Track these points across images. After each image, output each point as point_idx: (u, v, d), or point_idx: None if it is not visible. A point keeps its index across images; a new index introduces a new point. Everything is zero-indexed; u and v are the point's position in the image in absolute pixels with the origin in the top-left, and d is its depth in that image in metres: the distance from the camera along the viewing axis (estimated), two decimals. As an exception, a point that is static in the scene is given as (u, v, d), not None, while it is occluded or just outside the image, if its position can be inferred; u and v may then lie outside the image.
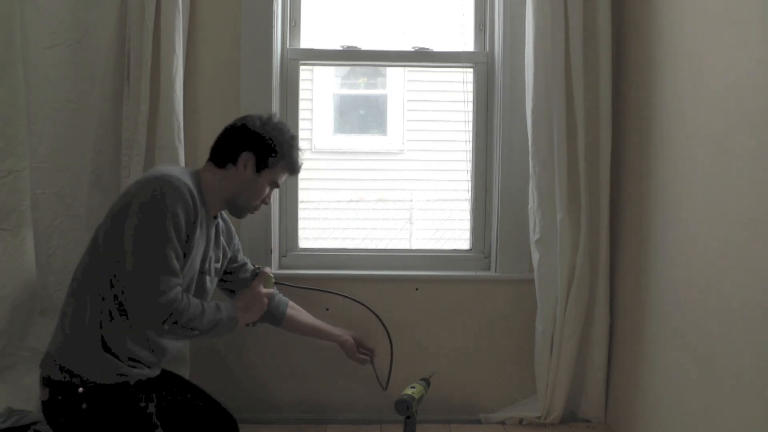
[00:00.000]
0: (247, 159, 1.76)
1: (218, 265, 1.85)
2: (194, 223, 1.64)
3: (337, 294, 2.20)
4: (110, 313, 1.61)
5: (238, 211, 1.83)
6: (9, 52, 2.10)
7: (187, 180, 1.64)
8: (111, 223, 1.61)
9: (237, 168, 1.76)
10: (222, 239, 1.87)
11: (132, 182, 1.70)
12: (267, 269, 1.96)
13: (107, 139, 2.16)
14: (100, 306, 1.60)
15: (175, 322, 1.58)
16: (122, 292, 1.58)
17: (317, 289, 2.20)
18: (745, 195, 1.57)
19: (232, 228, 1.97)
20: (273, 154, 1.77)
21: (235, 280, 1.96)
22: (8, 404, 2.00)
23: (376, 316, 2.19)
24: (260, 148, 1.76)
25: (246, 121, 1.81)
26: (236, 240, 1.98)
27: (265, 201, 1.85)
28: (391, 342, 2.20)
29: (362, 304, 2.19)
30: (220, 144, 1.81)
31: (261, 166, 1.77)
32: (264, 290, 1.88)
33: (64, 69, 2.11)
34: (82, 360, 1.60)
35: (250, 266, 2.01)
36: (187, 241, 1.63)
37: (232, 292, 1.97)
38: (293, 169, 1.85)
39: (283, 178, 1.86)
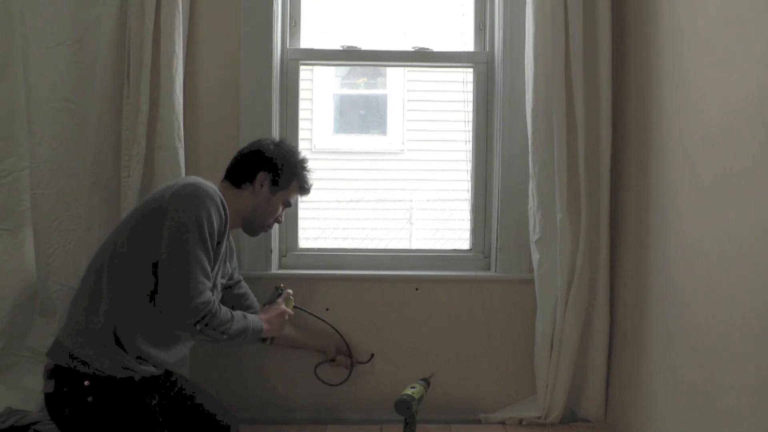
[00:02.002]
0: (263, 178, 1.86)
1: (223, 281, 1.91)
2: (224, 231, 1.72)
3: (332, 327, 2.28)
4: (127, 310, 1.64)
5: (252, 230, 1.93)
6: (9, 52, 2.11)
7: (217, 189, 1.73)
8: (140, 224, 1.66)
9: (254, 187, 1.86)
10: (227, 256, 1.92)
11: (162, 187, 1.73)
12: (289, 291, 2.10)
13: (107, 139, 2.15)
14: (118, 302, 1.64)
15: (207, 324, 1.63)
16: (149, 295, 1.63)
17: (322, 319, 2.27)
18: (745, 194, 1.57)
19: (234, 247, 2.03)
20: (287, 175, 1.89)
21: (227, 295, 1.99)
22: (8, 404, 2.01)
23: (341, 336, 2.28)
24: (276, 169, 1.88)
25: (260, 145, 1.92)
26: (235, 258, 2.05)
27: (278, 220, 1.96)
28: (351, 356, 2.29)
29: (334, 329, 2.28)
30: (237, 165, 1.90)
31: (275, 185, 1.88)
32: (285, 309, 2.01)
33: (64, 69, 2.11)
34: (92, 348, 1.63)
35: (244, 284, 2.08)
36: (217, 245, 1.70)
37: None
38: (304, 188, 1.96)
39: (294, 198, 1.98)
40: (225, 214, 1.71)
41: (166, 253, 1.61)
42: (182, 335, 1.74)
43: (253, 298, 2.09)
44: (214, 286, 1.79)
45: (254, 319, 1.81)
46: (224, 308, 1.70)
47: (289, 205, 1.96)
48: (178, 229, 1.61)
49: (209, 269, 1.66)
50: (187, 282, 1.60)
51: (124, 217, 1.76)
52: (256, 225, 1.92)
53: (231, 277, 2.01)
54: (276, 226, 2.37)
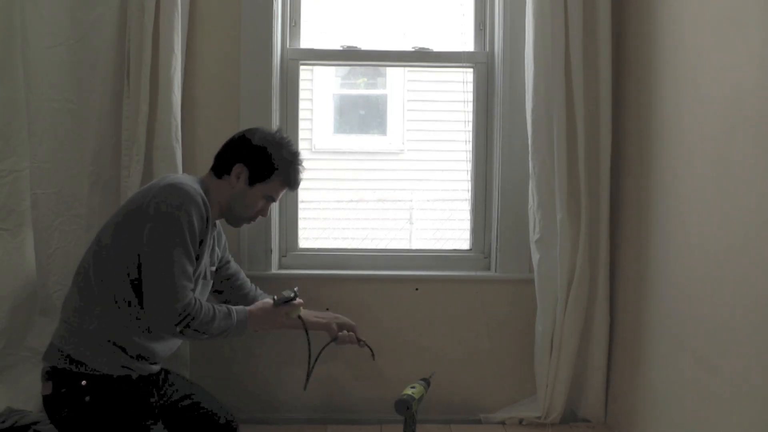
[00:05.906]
0: (239, 171, 1.80)
1: (213, 268, 1.89)
2: (206, 229, 1.70)
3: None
4: (118, 309, 1.65)
5: (233, 221, 1.89)
6: (9, 52, 2.11)
7: (198, 188, 1.70)
8: (123, 224, 1.66)
9: (230, 179, 1.80)
10: (215, 243, 1.90)
11: (145, 187, 1.73)
12: (299, 301, 1.91)
13: (107, 139, 2.15)
14: (108, 301, 1.64)
15: (188, 326, 1.63)
16: (135, 294, 1.64)
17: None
18: (745, 194, 1.57)
19: (221, 229, 1.99)
20: (267, 169, 1.81)
21: (217, 278, 1.95)
22: (8, 404, 2.01)
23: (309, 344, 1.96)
24: (254, 162, 1.80)
25: (247, 133, 1.86)
26: (224, 238, 2.01)
27: (262, 213, 1.88)
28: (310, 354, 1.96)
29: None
30: (220, 154, 1.86)
31: (254, 179, 1.81)
32: (284, 317, 1.88)
33: (64, 69, 2.11)
34: (87, 349, 1.63)
35: (233, 265, 2.04)
36: (199, 245, 1.69)
37: (218, 292, 1.99)
38: (290, 185, 1.87)
39: (279, 193, 1.88)
40: (206, 212, 1.69)
41: (148, 258, 1.61)
42: (165, 335, 1.73)
43: (243, 277, 2.05)
44: (204, 278, 1.79)
45: (240, 314, 1.75)
46: (206, 307, 1.67)
47: (273, 200, 1.88)
48: (159, 233, 1.61)
49: (191, 272, 1.65)
50: (169, 286, 1.60)
51: (110, 217, 1.75)
52: (235, 217, 1.86)
53: (220, 261, 1.97)
54: (276, 226, 2.38)
